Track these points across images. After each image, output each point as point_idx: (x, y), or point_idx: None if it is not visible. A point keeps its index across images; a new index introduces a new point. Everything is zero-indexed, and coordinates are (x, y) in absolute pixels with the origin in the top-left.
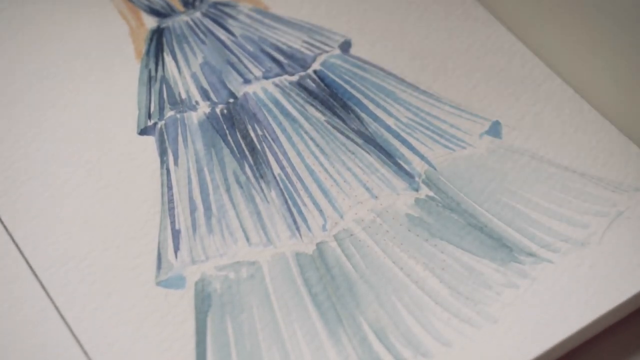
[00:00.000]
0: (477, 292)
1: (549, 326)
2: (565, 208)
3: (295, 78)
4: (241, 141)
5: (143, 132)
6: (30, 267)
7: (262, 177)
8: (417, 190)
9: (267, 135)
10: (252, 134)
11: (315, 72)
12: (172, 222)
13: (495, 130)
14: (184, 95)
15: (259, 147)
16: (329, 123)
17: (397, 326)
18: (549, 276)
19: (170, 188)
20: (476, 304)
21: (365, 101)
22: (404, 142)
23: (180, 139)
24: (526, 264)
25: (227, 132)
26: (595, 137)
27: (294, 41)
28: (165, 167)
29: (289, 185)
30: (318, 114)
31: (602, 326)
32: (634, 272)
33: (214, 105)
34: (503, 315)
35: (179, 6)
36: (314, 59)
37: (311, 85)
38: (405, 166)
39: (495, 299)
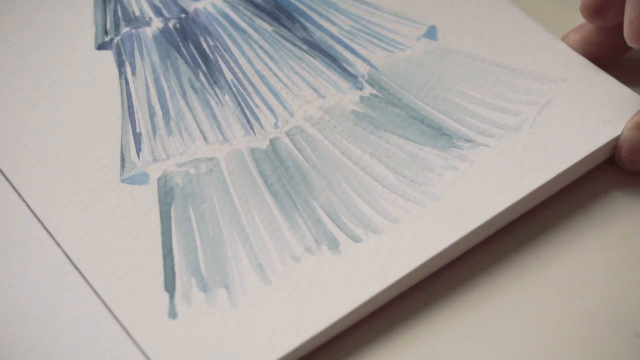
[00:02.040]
0: (420, 175)
1: (487, 200)
2: (498, 99)
3: None
4: (194, 51)
5: (101, 47)
6: (0, 171)
7: (215, 83)
8: (361, 89)
9: (218, 45)
10: (205, 45)
11: None
12: (133, 126)
13: (431, 33)
14: (137, 13)
15: (211, 56)
16: (276, 32)
17: (348, 208)
18: (486, 158)
19: (129, 96)
20: (420, 185)
21: (309, 12)
22: (347, 47)
23: (136, 52)
24: (464, 149)
25: (181, 44)
26: (524, 36)
27: None
28: (123, 77)
29: (241, 89)
30: (265, 25)
31: (535, 201)
32: (562, 152)
33: (166, 20)
34: (445, 194)
35: None
36: None
37: None
38: (349, 68)
39: (438, 180)
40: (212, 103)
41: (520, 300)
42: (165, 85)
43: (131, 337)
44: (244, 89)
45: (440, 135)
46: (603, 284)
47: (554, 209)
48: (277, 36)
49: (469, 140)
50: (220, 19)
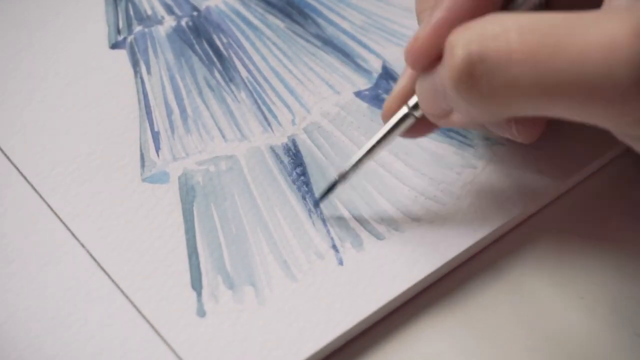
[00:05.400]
0: (439, 173)
1: (510, 199)
2: None
3: None
4: (208, 49)
5: (114, 46)
6: (20, 173)
7: (231, 80)
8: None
9: (232, 43)
10: (218, 43)
11: None
12: (151, 125)
13: None
14: (149, 12)
15: (225, 54)
16: (288, 29)
17: (370, 205)
18: (504, 156)
19: (145, 95)
20: (439, 183)
21: (320, 7)
22: (359, 42)
23: (150, 50)
24: (482, 147)
25: (194, 41)
26: None
27: None
28: (139, 76)
29: (256, 86)
30: (278, 22)
31: (562, 189)
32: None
33: (179, 18)
34: (464, 192)
35: None
36: None
37: None
38: (363, 64)
39: (456, 178)
40: (229, 100)
41: (521, 301)
42: (181, 84)
43: (161, 337)
44: (260, 86)
45: (458, 133)
46: (603, 284)
47: (553, 210)
48: (289, 32)
49: (486, 139)
50: (233, 16)
